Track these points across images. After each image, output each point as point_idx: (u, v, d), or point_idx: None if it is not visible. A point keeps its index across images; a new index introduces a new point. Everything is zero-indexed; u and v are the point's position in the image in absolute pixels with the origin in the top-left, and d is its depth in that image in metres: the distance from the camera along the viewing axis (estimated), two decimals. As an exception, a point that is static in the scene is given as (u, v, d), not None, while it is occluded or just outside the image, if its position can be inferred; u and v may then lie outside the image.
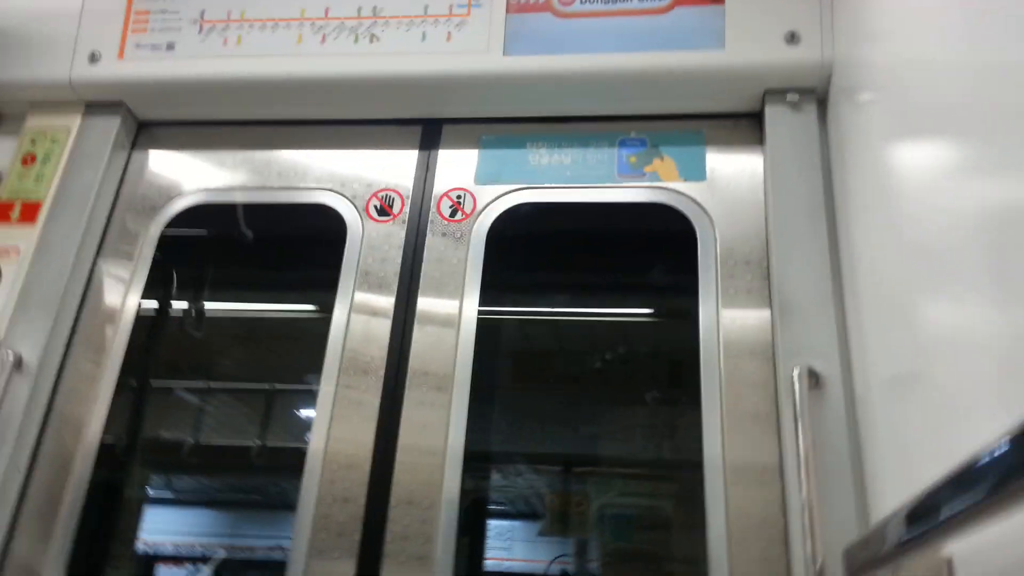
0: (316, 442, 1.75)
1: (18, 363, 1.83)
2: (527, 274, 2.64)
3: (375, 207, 1.99)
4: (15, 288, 1.91)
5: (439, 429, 1.72)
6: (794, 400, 1.39)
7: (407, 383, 1.78)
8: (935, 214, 1.20)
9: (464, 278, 1.87)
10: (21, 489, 1.79)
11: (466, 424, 1.73)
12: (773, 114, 1.81)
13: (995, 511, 0.68)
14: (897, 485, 1.26)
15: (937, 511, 0.78)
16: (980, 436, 0.70)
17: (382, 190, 2.01)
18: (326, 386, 1.80)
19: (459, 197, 1.97)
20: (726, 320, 1.69)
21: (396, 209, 1.98)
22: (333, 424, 1.76)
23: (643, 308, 2.81)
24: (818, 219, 1.68)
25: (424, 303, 1.86)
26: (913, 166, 1.35)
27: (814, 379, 1.44)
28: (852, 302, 1.55)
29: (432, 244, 1.92)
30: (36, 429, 1.84)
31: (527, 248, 2.37)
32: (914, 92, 1.35)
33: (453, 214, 1.95)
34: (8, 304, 1.89)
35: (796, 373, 1.41)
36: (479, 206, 1.95)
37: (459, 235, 1.92)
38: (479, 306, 1.85)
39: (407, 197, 1.99)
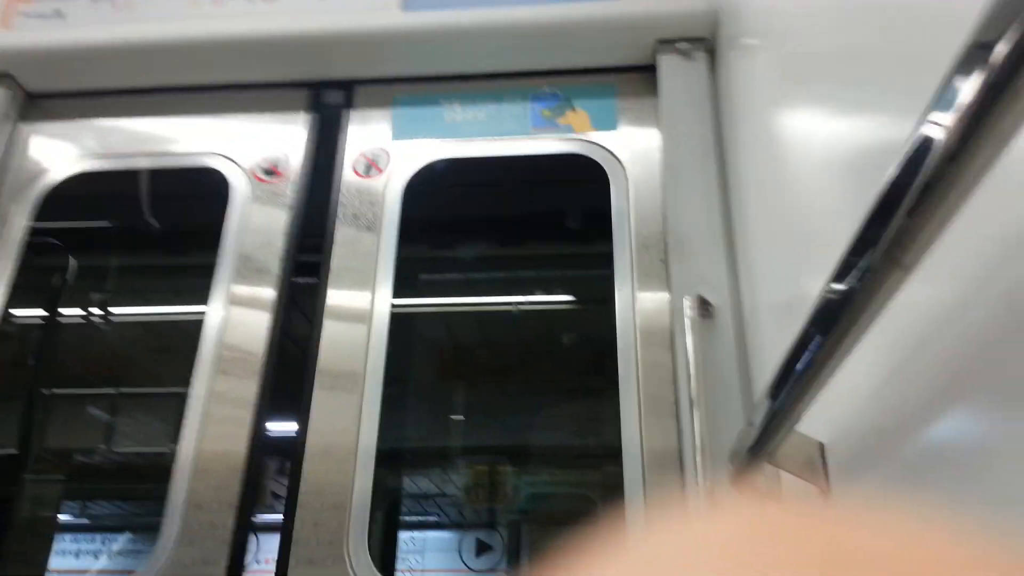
0: (184, 449, 1.63)
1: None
2: (445, 239, 2.63)
3: (263, 170, 1.95)
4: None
5: (350, 425, 1.64)
6: (684, 326, 1.42)
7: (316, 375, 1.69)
8: (812, 153, 1.25)
9: (380, 237, 1.84)
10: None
11: (378, 421, 1.65)
12: (666, 63, 1.86)
13: (839, 351, 0.72)
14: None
15: (790, 377, 0.81)
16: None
17: (272, 155, 1.96)
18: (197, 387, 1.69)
19: (374, 156, 1.95)
20: (639, 261, 1.72)
21: (290, 173, 1.94)
22: (204, 428, 1.64)
23: (561, 269, 2.83)
24: (709, 161, 1.73)
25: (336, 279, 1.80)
26: (792, 110, 1.40)
27: (705, 307, 1.49)
28: (742, 238, 1.60)
29: (346, 203, 1.89)
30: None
31: (444, 209, 2.36)
32: (791, 37, 1.41)
33: (368, 171, 1.93)
34: None
35: (687, 301, 1.45)
36: (393, 163, 1.93)
37: (374, 195, 1.90)
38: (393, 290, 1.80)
39: (308, 160, 1.96)
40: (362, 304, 1.76)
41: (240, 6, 1.97)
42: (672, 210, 1.69)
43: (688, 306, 1.43)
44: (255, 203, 1.90)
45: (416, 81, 2.03)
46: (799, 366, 0.78)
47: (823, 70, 1.26)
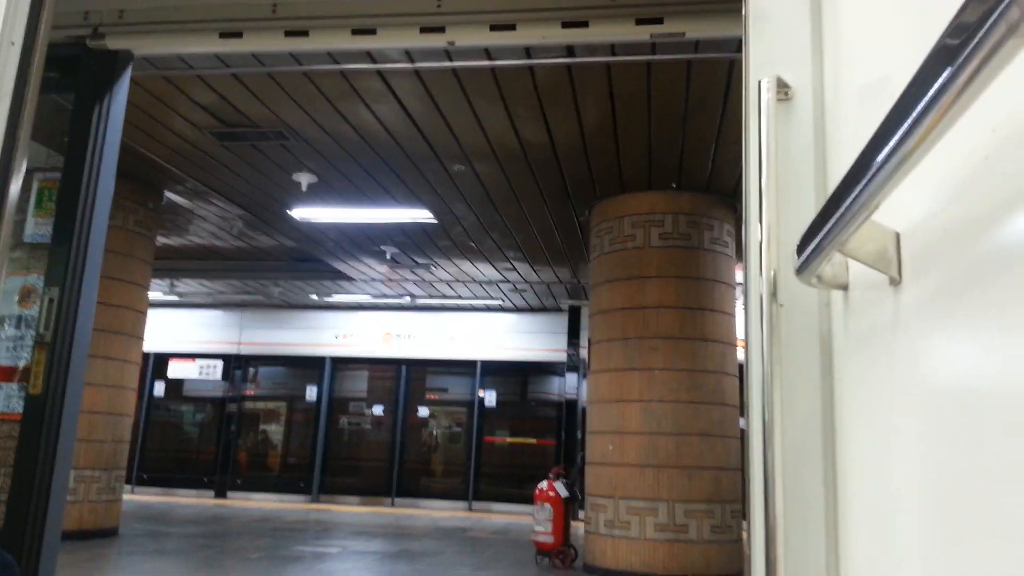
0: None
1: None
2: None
3: None
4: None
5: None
6: (759, 109, 1.32)
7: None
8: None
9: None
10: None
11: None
12: None
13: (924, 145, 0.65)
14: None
15: (874, 159, 0.75)
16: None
17: None
18: None
19: None
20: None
21: None
22: None
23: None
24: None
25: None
26: None
27: (784, 90, 1.37)
28: (830, 11, 1.44)
29: None
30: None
31: None
32: None
33: None
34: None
35: (764, 82, 1.33)
36: None
37: None
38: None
39: None
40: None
41: None
42: (752, -20, 1.52)
43: (765, 88, 1.32)
44: None
45: None
46: (887, 147, 0.71)
47: None
